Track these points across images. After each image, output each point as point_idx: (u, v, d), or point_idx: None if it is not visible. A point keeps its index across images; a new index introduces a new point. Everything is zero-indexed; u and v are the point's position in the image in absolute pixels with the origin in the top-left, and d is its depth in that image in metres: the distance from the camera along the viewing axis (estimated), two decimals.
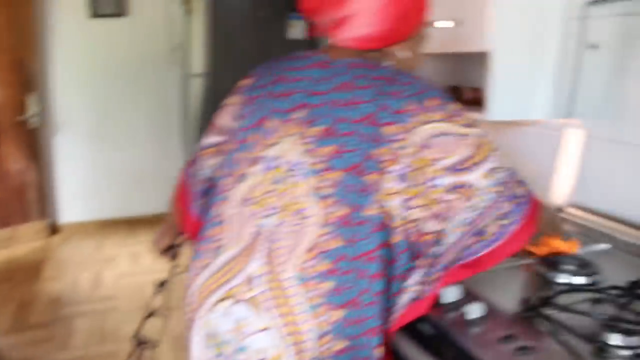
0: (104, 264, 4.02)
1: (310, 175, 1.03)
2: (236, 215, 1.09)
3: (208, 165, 1.29)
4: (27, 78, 4.13)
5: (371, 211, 1.01)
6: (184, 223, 1.34)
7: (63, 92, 4.20)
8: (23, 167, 4.28)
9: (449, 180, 1.01)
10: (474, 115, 1.74)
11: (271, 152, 1.08)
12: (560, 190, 1.85)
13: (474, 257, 1.05)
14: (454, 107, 1.06)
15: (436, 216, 1.02)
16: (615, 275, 1.38)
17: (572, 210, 1.78)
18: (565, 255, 1.43)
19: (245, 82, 1.22)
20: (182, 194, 1.36)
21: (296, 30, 3.37)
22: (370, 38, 1.10)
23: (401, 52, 1.16)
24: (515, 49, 1.72)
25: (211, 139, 1.29)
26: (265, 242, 1.04)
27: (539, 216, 1.08)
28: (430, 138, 1.01)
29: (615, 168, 1.66)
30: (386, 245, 1.02)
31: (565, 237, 1.45)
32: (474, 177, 1.02)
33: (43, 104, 4.22)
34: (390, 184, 1.01)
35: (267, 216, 1.05)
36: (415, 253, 1.05)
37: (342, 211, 1.01)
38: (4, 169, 4.19)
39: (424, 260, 1.05)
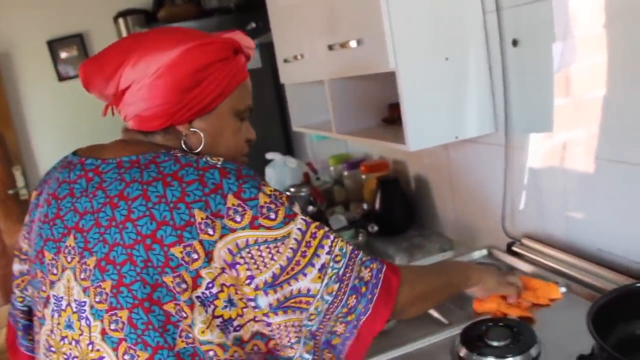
0: None
1: (96, 317, 0.85)
2: None
3: (27, 294, 1.08)
4: (9, 152, 4.11)
5: (183, 345, 0.84)
6: None
7: (44, 161, 4.13)
8: None
9: (273, 297, 0.85)
10: None
11: (55, 290, 0.91)
12: (513, 217, 1.55)
13: None
14: (263, 200, 0.86)
15: (270, 338, 0.89)
16: (563, 340, 1.08)
17: (527, 242, 1.47)
18: (493, 320, 1.14)
19: (33, 195, 1.04)
20: (10, 335, 1.15)
21: (252, 59, 3.15)
22: (147, 116, 0.93)
23: (194, 132, 0.97)
24: (427, 63, 1.43)
25: (17, 265, 1.09)
26: None
27: (395, 289, 0.95)
28: (237, 252, 0.83)
29: (569, 187, 1.34)
30: None
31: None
32: (304, 284, 0.86)
33: (29, 175, 4.17)
34: (202, 315, 0.84)
35: None
36: None
37: (142, 356, 0.83)
38: (1, 244, 4.15)
39: None
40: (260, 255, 0.84)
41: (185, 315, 0.84)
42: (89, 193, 0.89)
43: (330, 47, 1.66)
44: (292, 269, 0.85)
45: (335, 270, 0.89)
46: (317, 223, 0.91)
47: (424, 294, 1.04)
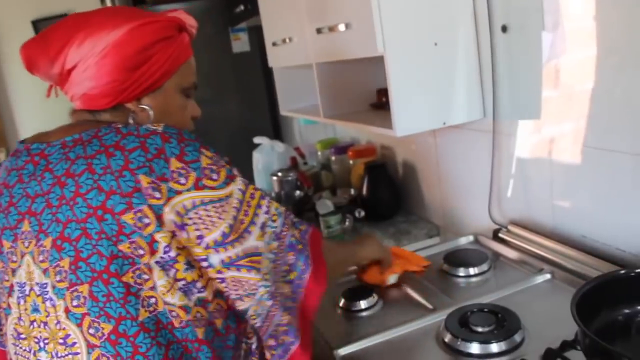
0: None
1: (59, 296, 0.86)
2: (16, 353, 0.94)
3: None
4: None
5: (147, 314, 0.86)
6: None
7: None
8: None
9: (225, 255, 0.88)
10: None
11: (17, 277, 0.91)
12: (499, 203, 1.55)
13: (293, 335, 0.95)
14: (205, 162, 0.88)
15: (230, 295, 0.92)
16: (547, 325, 1.09)
17: (513, 229, 1.48)
18: (479, 307, 1.15)
19: None
20: None
21: (241, 43, 3.12)
22: (95, 95, 0.95)
23: (142, 109, 0.98)
24: (416, 48, 1.42)
25: None
26: None
27: (322, 249, 1.02)
28: (185, 214, 0.85)
29: (556, 175, 1.34)
30: (183, 341, 0.89)
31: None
32: (251, 243, 0.90)
33: None
34: (162, 279, 0.86)
35: (40, 349, 0.89)
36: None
37: (106, 328, 0.85)
38: None
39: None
40: (208, 215, 0.86)
41: (147, 277, 0.85)
42: (37, 176, 0.90)
43: (319, 31, 1.64)
44: (239, 227, 0.88)
45: (273, 229, 0.94)
46: (253, 185, 0.95)
47: (341, 260, 1.22)
